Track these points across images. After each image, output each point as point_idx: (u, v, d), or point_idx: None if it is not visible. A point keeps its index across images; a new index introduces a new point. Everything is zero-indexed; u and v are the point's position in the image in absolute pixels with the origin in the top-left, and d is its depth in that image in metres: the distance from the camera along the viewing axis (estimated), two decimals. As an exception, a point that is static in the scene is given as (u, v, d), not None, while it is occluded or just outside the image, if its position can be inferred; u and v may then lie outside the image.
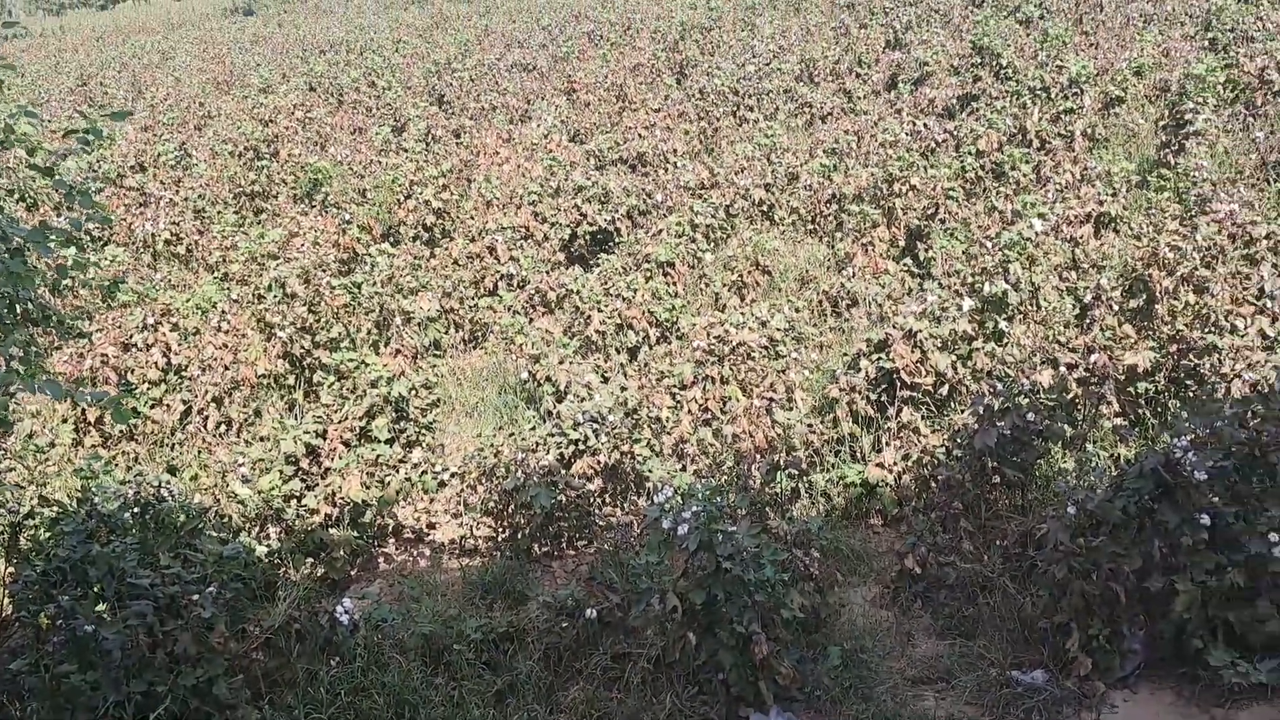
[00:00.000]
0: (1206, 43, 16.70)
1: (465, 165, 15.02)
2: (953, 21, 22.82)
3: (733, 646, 4.97)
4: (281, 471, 7.19)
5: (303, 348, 9.02)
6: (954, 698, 5.04)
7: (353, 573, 7.05)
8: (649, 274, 10.62)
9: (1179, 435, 5.27)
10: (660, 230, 11.59)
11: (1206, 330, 7.19)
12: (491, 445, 7.28)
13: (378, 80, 23.78)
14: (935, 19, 23.61)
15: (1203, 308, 7.43)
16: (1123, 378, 7.06)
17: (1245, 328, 7.04)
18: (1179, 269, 7.74)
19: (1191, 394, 7.03)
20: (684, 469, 7.68)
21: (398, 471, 7.28)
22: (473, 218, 12.74)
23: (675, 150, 15.42)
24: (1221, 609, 4.79)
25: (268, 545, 6.74)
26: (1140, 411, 7.13)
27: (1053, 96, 13.83)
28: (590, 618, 5.50)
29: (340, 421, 7.67)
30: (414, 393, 7.96)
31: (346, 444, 7.56)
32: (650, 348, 9.53)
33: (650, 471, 7.46)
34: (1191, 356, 7.06)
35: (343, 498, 6.99)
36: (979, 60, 17.35)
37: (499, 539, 7.04)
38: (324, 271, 10.14)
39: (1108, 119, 13.78)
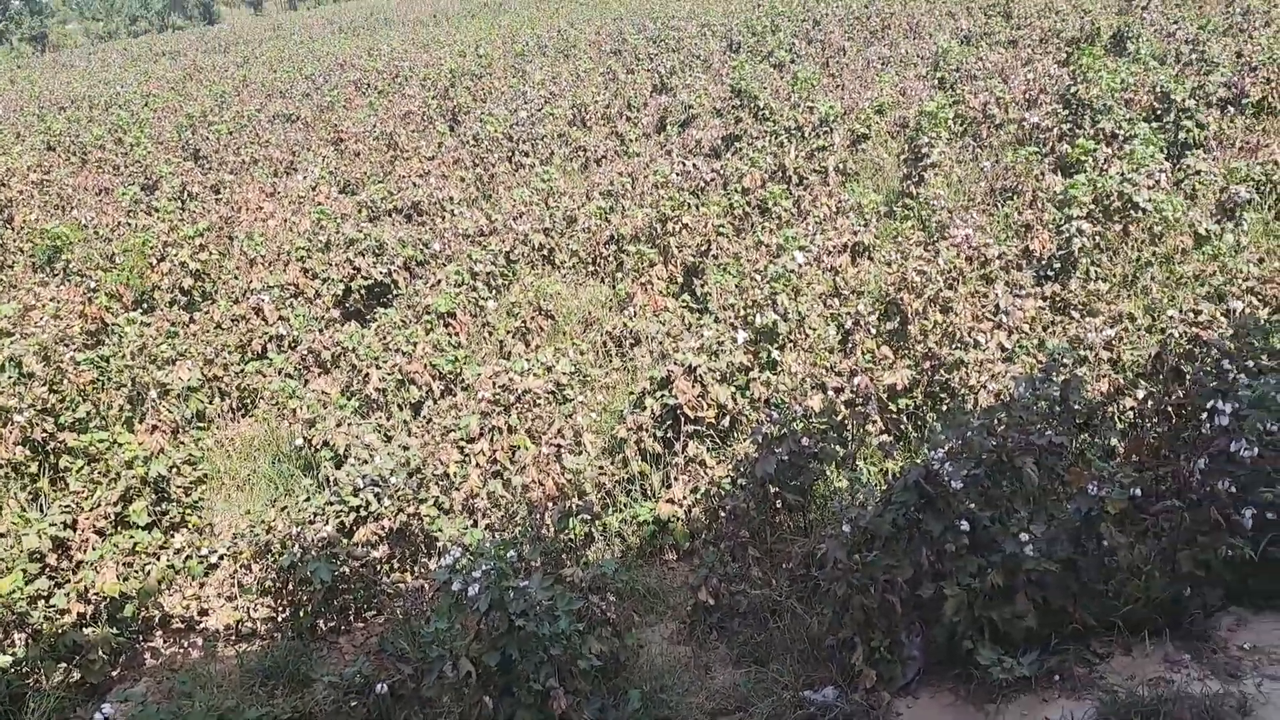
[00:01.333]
0: (936, 82, 18.28)
1: (226, 222, 14.26)
2: (713, 67, 23.92)
3: (531, 705, 4.86)
4: (25, 570, 6.46)
5: (45, 431, 8.18)
6: (752, 726, 5.11)
7: (114, 674, 6.40)
8: (429, 326, 10.39)
9: (935, 447, 5.61)
10: (439, 280, 11.39)
11: (954, 346, 7.75)
12: (263, 521, 6.84)
13: (125, 136, 22.30)
14: (697, 64, 24.67)
15: (949, 326, 8.01)
16: (885, 396, 7.48)
17: (986, 342, 7.64)
18: (926, 291, 8.32)
19: (945, 407, 7.54)
20: (475, 524, 7.49)
21: (159, 559, 6.71)
22: (236, 278, 12.09)
23: (451, 198, 15.25)
24: (986, 609, 5.09)
25: (12, 654, 6.03)
26: (903, 427, 7.57)
27: (806, 135, 14.69)
28: (381, 693, 5.23)
29: (92, 509, 7.00)
30: (175, 471, 7.39)
31: (100, 533, 6.90)
32: (434, 402, 9.30)
33: (440, 531, 7.23)
34: (943, 372, 7.59)
35: (97, 593, 6.36)
36: (739, 102, 18.22)
37: (279, 619, 6.60)
38: (67, 346, 9.29)
39: (856, 154, 14.77)
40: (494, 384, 8.50)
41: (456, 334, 10.55)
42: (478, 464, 7.88)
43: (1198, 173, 10.49)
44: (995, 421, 6.07)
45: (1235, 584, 5.09)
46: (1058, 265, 9.07)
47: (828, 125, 14.46)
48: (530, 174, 16.38)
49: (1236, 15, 19.59)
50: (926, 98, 15.95)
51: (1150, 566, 5.21)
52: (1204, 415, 5.24)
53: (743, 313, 8.84)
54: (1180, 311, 6.86)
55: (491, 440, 8.10)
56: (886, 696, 5.08)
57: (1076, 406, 6.28)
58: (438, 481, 7.60)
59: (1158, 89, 13.00)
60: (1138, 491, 5.17)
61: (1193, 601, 5.06)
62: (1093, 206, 9.30)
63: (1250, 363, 5.50)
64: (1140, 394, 6.49)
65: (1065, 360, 6.55)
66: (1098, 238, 9.11)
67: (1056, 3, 25.08)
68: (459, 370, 9.71)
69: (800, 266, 8.98)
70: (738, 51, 26.30)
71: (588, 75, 24.98)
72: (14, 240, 14.05)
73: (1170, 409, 6.38)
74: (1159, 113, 12.71)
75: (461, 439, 8.13)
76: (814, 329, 8.48)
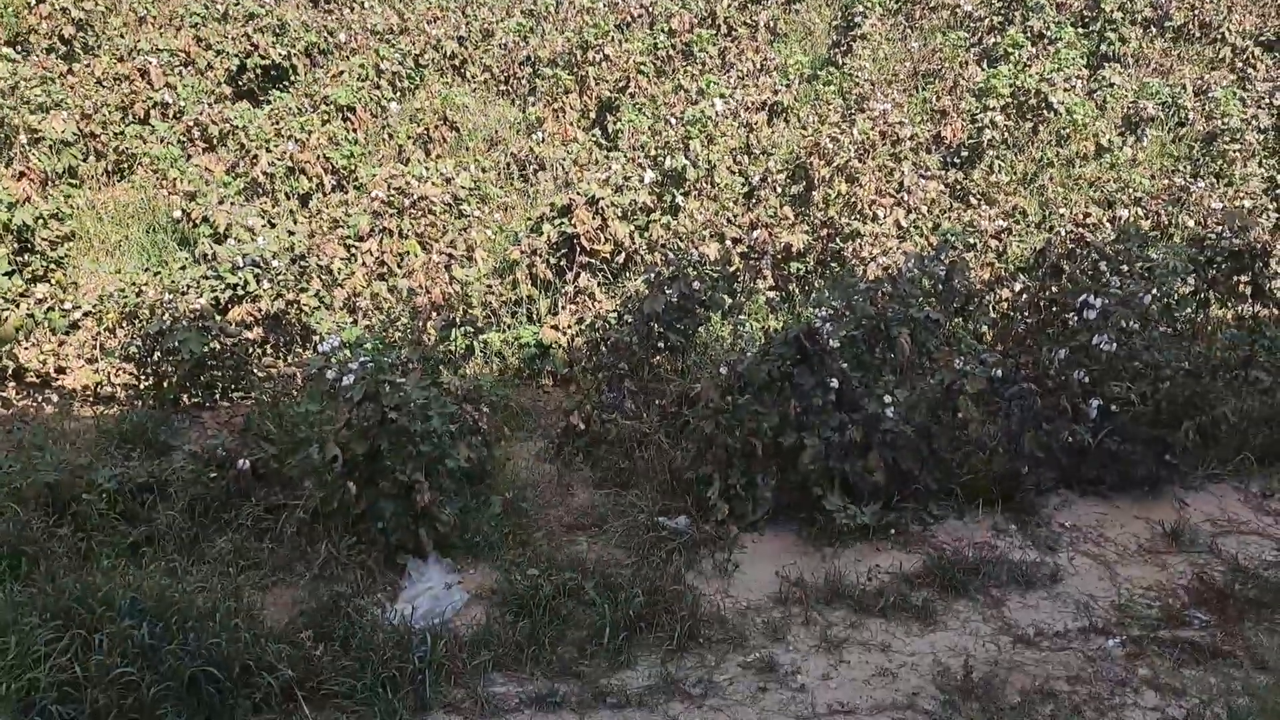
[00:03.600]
0: (878, -45, 17.89)
1: (116, -27, 13.08)
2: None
3: (394, 495, 4.93)
4: None
5: (-105, 161, 7.59)
6: (605, 541, 5.33)
7: (-41, 421, 6.19)
8: (327, 117, 9.93)
9: (819, 307, 5.77)
10: (342, 72, 10.83)
11: (854, 218, 7.88)
12: (134, 285, 6.58)
13: None
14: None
15: (852, 197, 8.11)
16: (780, 255, 7.60)
17: (885, 217, 7.79)
18: (836, 159, 8.37)
19: (836, 274, 7.72)
20: (355, 323, 7.40)
21: (18, 307, 6.40)
22: (122, 35, 11.21)
23: (365, -12, 14.35)
24: (840, 460, 5.36)
25: None
26: (791, 288, 7.74)
27: (743, -15, 14.26)
28: (243, 469, 5.21)
29: (-55, 249, 6.60)
30: (41, 222, 6.98)
31: (-46, 274, 6.53)
32: (324, 195, 8.98)
33: (319, 324, 7.11)
34: (839, 241, 7.73)
35: (-54, 335, 6.07)
36: (678, -60, 17.48)
37: (141, 387, 6.44)
38: (-74, 75, 8.52)
39: (789, 14, 14.47)
40: (389, 186, 8.25)
41: (355, 130, 10.13)
42: (364, 263, 7.72)
43: (1111, 84, 10.71)
44: (880, 292, 6.25)
45: (1069, 468, 5.50)
46: (965, 154, 9.23)
47: (766, -21, 14.07)
48: (451, -23, 15.48)
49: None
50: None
51: (996, 443, 5.57)
52: (1074, 311, 5.53)
53: (653, 154, 8.74)
54: (1070, 212, 7.11)
55: (381, 241, 7.92)
56: (735, 530, 5.35)
57: (958, 288, 6.53)
58: (321, 275, 7.43)
59: (1090, -4, 13.08)
60: (998, 373, 5.46)
61: (1028, 479, 5.45)
62: (1009, 100, 9.43)
63: (1125, 267, 5.79)
64: (1018, 286, 6.77)
65: (956, 244, 6.76)
66: (1008, 132, 9.28)
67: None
68: (353, 167, 9.38)
69: (718, 115, 8.88)
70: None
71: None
72: None
73: (1043, 303, 6.70)
74: (1087, 20, 12.82)
75: (350, 236, 7.92)
76: (721, 180, 8.47)
